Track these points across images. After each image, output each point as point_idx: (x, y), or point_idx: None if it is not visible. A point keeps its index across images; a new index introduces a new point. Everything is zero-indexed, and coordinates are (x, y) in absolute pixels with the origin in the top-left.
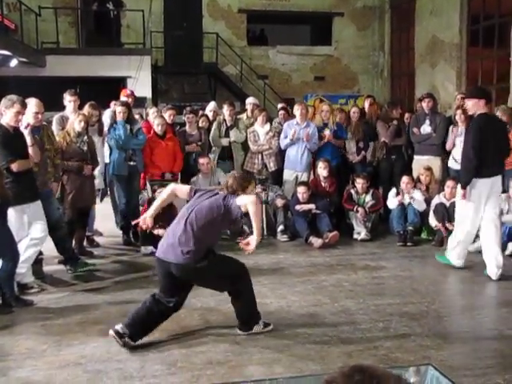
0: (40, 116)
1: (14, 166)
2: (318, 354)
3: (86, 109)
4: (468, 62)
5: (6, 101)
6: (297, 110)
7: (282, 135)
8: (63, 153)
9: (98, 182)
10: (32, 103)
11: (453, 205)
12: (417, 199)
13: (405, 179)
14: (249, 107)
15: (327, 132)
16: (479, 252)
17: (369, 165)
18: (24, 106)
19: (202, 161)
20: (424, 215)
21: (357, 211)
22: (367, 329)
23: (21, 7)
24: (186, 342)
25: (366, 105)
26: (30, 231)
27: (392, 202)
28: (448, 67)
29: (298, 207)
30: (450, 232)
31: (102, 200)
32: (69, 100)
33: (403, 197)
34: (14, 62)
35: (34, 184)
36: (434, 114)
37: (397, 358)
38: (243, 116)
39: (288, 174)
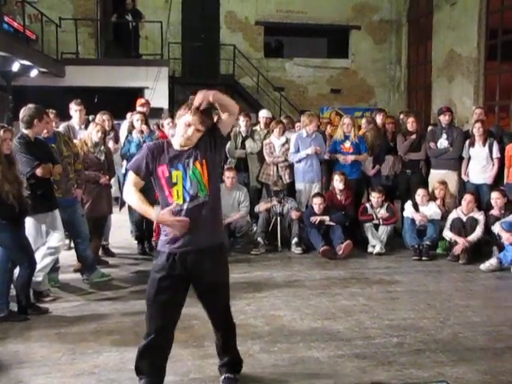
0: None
1: (39, 171)
2: (331, 368)
3: (98, 117)
4: (486, 77)
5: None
6: (308, 121)
7: (293, 148)
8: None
9: (114, 190)
10: None
11: (470, 219)
12: (433, 210)
13: (420, 192)
14: (261, 120)
15: (349, 157)
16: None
17: (386, 179)
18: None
19: (227, 174)
20: (439, 230)
21: (372, 220)
22: (381, 344)
23: (42, 18)
24: (199, 353)
25: (378, 119)
26: (48, 240)
27: (408, 210)
28: (465, 81)
29: (312, 219)
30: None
31: (120, 209)
32: (75, 109)
33: (418, 210)
34: (34, 72)
35: (53, 193)
36: (451, 127)
37: (411, 374)
38: (258, 127)
39: (300, 186)
